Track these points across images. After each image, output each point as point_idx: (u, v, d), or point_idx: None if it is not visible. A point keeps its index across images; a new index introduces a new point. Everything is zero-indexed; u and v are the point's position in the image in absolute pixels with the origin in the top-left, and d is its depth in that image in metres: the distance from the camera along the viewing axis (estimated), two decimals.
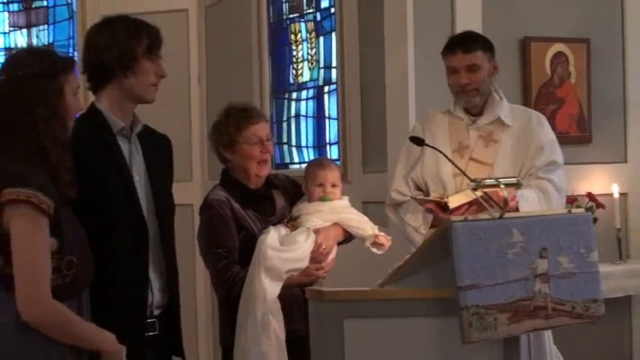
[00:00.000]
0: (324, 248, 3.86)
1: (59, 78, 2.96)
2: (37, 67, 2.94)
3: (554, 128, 4.43)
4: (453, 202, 3.80)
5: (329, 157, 6.12)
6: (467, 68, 4.05)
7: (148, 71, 3.32)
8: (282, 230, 3.84)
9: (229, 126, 3.90)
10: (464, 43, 4.11)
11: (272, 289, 3.69)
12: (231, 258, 3.79)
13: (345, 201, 4.02)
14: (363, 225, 3.98)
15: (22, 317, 2.77)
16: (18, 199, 2.77)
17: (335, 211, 3.95)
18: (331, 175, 3.98)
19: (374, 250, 3.97)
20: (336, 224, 3.93)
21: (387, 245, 3.96)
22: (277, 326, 3.69)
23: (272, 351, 3.67)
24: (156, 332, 3.33)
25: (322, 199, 3.94)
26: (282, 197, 4.02)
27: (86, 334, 2.90)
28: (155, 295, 3.32)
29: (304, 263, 3.80)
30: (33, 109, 2.88)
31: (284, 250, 3.74)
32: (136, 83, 3.31)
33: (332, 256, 3.93)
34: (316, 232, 3.86)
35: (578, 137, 5.41)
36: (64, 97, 2.96)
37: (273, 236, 3.77)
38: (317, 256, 3.83)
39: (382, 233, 3.98)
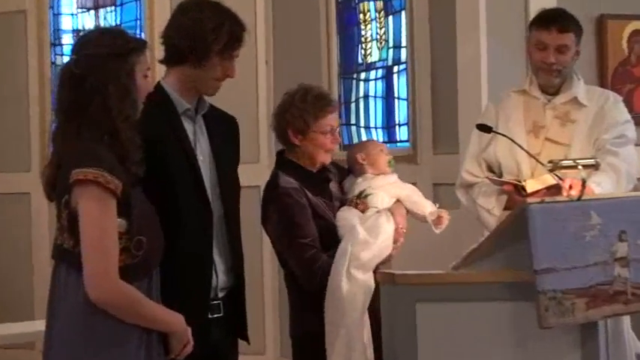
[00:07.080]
0: (402, 228, 3.84)
1: (131, 58, 2.94)
2: (108, 46, 2.93)
3: (630, 108, 4.37)
4: (531, 186, 3.71)
5: (398, 138, 6.13)
6: (557, 47, 3.95)
7: (215, 68, 3.31)
8: (355, 212, 3.81)
9: (306, 112, 3.81)
10: (561, 20, 4.00)
11: (370, 281, 3.67)
12: (317, 246, 3.74)
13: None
14: (423, 201, 3.95)
15: (89, 296, 2.78)
16: (86, 179, 2.77)
17: (395, 185, 3.95)
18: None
19: (435, 229, 3.90)
20: (398, 201, 3.90)
21: (446, 223, 3.89)
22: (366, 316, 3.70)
23: (369, 340, 3.66)
24: (220, 314, 3.33)
25: (390, 163, 3.98)
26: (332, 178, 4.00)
27: (153, 315, 2.91)
28: (219, 277, 3.32)
29: (391, 248, 3.78)
30: (105, 89, 2.87)
31: (373, 243, 3.72)
32: (200, 76, 3.30)
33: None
34: (391, 212, 3.83)
35: None
36: (134, 77, 2.95)
37: (361, 233, 3.71)
38: (396, 237, 3.81)
39: (441, 210, 3.92)
